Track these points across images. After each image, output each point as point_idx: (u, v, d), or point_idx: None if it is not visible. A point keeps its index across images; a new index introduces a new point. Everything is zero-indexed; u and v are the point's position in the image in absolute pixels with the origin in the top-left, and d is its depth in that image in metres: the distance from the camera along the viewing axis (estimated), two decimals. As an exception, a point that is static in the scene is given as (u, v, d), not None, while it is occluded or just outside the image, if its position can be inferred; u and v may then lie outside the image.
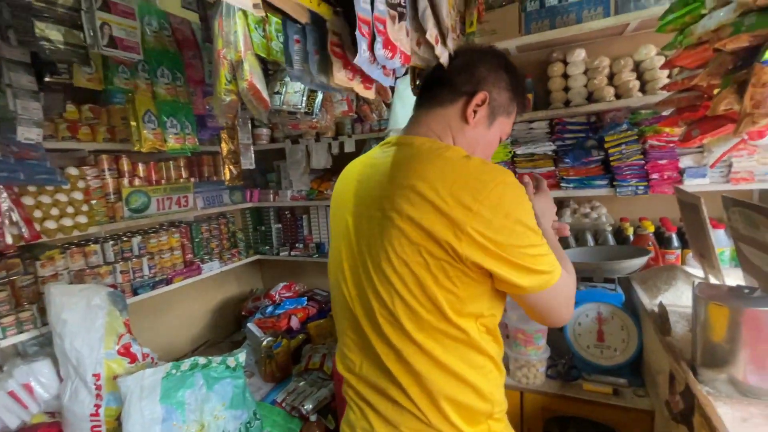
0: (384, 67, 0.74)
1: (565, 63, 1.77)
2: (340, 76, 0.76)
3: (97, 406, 1.42)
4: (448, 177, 0.65)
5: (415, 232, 0.65)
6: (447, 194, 0.63)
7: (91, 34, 1.11)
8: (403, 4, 0.80)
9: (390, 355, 0.71)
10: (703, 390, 0.79)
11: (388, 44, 0.72)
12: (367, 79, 0.83)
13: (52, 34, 1.06)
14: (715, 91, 0.98)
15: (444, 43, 0.84)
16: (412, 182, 0.67)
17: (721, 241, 1.42)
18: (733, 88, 0.88)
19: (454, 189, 0.63)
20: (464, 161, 0.68)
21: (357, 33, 0.67)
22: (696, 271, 1.33)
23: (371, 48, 0.70)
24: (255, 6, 0.46)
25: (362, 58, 0.68)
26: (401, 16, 0.79)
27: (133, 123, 1.50)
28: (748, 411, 0.73)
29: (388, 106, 1.84)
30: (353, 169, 0.84)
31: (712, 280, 1.17)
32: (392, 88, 1.49)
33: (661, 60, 1.61)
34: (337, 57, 0.75)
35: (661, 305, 1.10)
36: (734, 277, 1.13)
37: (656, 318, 1.09)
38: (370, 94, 0.86)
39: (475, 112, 0.76)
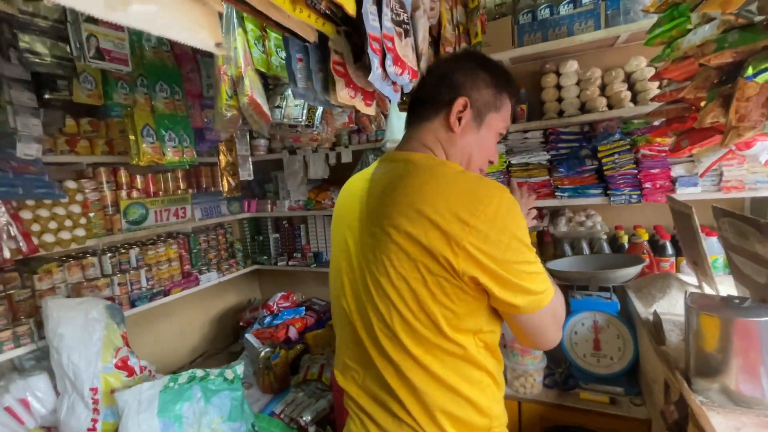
0: (394, 83, 0.75)
1: (558, 74, 1.80)
2: (343, 95, 0.77)
3: (94, 421, 1.41)
4: (445, 193, 0.66)
5: (413, 247, 0.66)
6: (444, 210, 0.64)
7: (78, 46, 1.10)
8: (407, 21, 0.82)
9: (388, 368, 0.71)
10: (696, 400, 0.80)
11: (397, 61, 0.73)
12: (368, 96, 0.85)
13: (37, 46, 1.07)
14: (702, 104, 1.00)
15: (417, 66, 0.87)
16: (409, 199, 0.68)
17: (714, 248, 1.44)
18: (719, 102, 0.90)
19: (450, 204, 0.64)
20: (460, 176, 0.69)
21: (368, 50, 0.68)
22: (690, 278, 1.35)
23: (382, 64, 0.71)
24: (217, 45, 0.48)
25: (375, 75, 0.69)
26: (406, 33, 0.81)
27: (132, 137, 1.51)
28: (741, 421, 0.74)
29: (386, 116, 1.86)
30: (353, 185, 0.85)
31: (706, 288, 1.19)
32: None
33: (652, 71, 1.64)
34: (339, 75, 0.76)
35: (655, 314, 1.11)
36: (728, 285, 1.14)
37: (651, 327, 1.10)
38: (371, 110, 0.87)
39: (459, 119, 0.77)
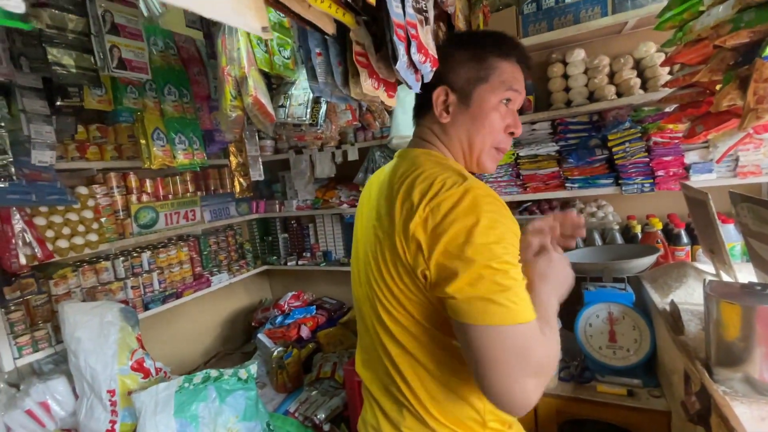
0: (417, 71, 0.73)
1: (565, 63, 1.77)
2: (367, 86, 0.76)
3: (113, 422, 1.43)
4: (412, 185, 0.65)
5: (386, 241, 0.67)
6: (405, 201, 0.64)
7: (101, 57, 1.14)
8: (426, 9, 0.81)
9: (385, 355, 0.73)
10: (719, 390, 0.78)
11: (421, 48, 0.71)
12: (390, 88, 0.83)
13: (64, 59, 1.09)
14: (717, 87, 0.97)
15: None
16: (386, 193, 0.70)
17: (731, 235, 1.40)
18: (736, 84, 0.88)
19: (412, 196, 0.63)
20: (434, 170, 0.66)
21: (394, 38, 0.66)
22: (707, 267, 1.32)
23: (408, 52, 0.70)
24: (264, 29, 0.47)
25: (402, 62, 0.68)
26: (426, 21, 0.79)
27: (142, 141, 1.53)
28: (767, 410, 0.72)
29: (390, 113, 1.85)
30: (370, 182, 0.87)
31: (724, 277, 1.16)
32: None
33: (662, 56, 1.61)
34: (362, 67, 0.75)
35: (672, 304, 1.09)
36: (746, 273, 1.11)
37: (668, 317, 1.08)
38: (393, 102, 0.86)
39: (447, 108, 0.76)
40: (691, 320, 1.02)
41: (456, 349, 0.66)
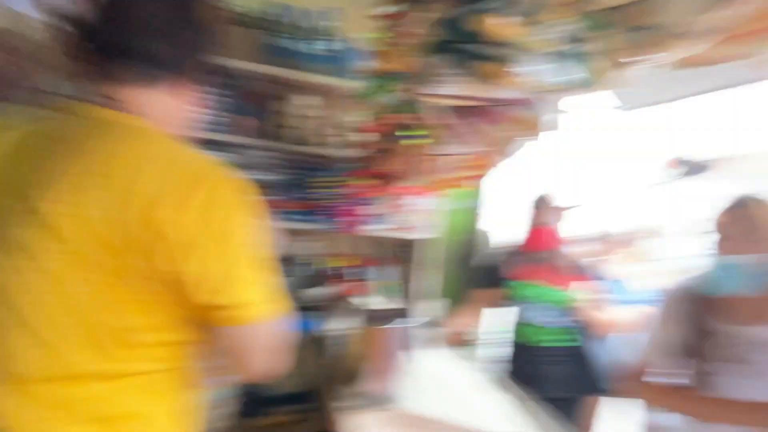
0: None
1: (289, 102, 1.89)
2: None
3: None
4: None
5: (112, 230, 0.53)
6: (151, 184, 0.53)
7: None
8: None
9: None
10: (338, 405, 0.89)
11: None
12: None
13: None
14: (383, 154, 1.24)
15: None
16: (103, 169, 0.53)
17: (384, 274, 1.79)
18: (390, 155, 1.14)
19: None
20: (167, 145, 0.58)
21: None
22: (369, 300, 1.61)
23: None
24: None
25: None
26: None
27: None
28: (364, 418, 0.87)
29: None
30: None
31: (372, 306, 1.44)
32: None
33: (362, 121, 1.97)
34: None
35: (321, 330, 1.23)
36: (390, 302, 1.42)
37: (318, 342, 1.22)
38: None
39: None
40: (334, 345, 1.18)
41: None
